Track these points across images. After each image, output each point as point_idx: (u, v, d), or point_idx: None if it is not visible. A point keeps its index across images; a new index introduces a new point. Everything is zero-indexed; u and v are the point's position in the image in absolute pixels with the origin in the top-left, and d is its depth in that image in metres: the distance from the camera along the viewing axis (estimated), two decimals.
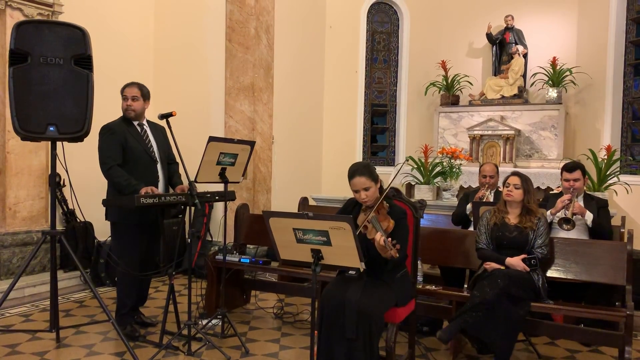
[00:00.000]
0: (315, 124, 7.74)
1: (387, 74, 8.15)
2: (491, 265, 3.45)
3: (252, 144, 3.98)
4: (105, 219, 3.95)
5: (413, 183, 6.72)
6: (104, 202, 3.82)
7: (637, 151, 6.55)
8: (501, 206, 3.63)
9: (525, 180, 3.54)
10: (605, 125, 6.77)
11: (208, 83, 6.45)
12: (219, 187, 3.89)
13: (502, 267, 3.40)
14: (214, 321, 4.01)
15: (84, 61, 3.22)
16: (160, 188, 3.93)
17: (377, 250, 2.87)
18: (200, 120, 6.30)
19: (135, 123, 3.94)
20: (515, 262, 3.39)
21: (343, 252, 2.64)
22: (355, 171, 3.02)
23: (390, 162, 8.10)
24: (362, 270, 2.66)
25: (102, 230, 4.15)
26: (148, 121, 4.05)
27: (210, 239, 6.14)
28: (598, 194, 4.88)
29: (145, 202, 3.47)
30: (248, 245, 5.09)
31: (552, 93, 7.01)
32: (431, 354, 3.65)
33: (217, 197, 3.96)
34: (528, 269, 3.36)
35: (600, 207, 4.13)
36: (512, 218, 3.56)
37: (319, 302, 3.01)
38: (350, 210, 3.20)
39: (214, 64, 6.37)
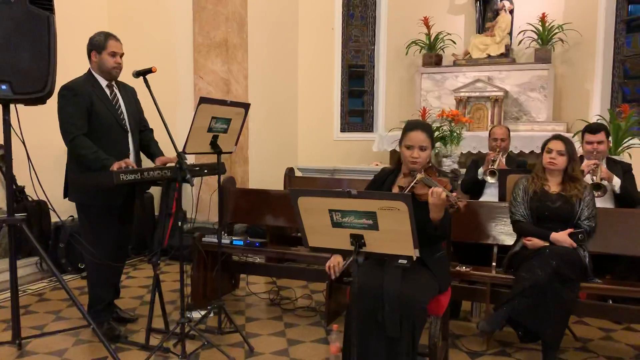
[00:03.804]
0: (290, 87, 7.11)
1: (365, 31, 7.54)
2: (533, 242, 3.02)
3: (246, 106, 3.36)
4: (64, 198, 3.28)
5: None
6: (73, 181, 3.15)
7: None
8: (539, 172, 3.18)
9: (569, 144, 3.10)
10: (595, 85, 6.49)
11: (173, 38, 5.68)
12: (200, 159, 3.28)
13: (547, 244, 2.99)
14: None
15: None
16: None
17: (425, 216, 2.43)
18: (165, 82, 5.44)
19: (104, 84, 3.24)
20: (562, 237, 2.95)
21: (392, 237, 2.13)
22: (416, 125, 2.66)
23: (369, 128, 7.58)
24: (414, 258, 2.17)
25: (62, 209, 3.43)
26: (116, 81, 3.35)
27: (183, 217, 5.51)
28: (616, 158, 4.56)
29: (126, 178, 2.83)
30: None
31: (541, 52, 6.64)
32: (461, 341, 3.25)
33: (205, 171, 3.35)
34: (575, 245, 2.96)
35: (625, 172, 3.80)
36: (553, 186, 3.13)
37: (350, 292, 2.52)
38: (383, 183, 2.71)
39: (180, 16, 5.59)
